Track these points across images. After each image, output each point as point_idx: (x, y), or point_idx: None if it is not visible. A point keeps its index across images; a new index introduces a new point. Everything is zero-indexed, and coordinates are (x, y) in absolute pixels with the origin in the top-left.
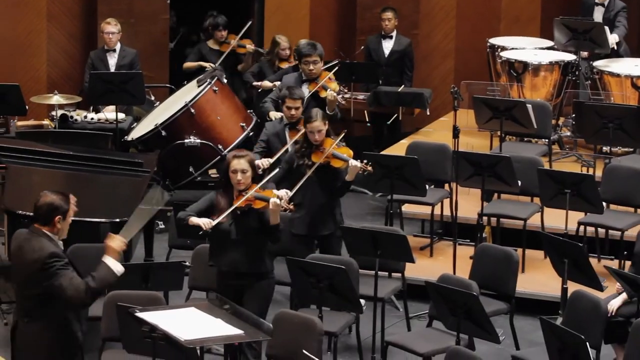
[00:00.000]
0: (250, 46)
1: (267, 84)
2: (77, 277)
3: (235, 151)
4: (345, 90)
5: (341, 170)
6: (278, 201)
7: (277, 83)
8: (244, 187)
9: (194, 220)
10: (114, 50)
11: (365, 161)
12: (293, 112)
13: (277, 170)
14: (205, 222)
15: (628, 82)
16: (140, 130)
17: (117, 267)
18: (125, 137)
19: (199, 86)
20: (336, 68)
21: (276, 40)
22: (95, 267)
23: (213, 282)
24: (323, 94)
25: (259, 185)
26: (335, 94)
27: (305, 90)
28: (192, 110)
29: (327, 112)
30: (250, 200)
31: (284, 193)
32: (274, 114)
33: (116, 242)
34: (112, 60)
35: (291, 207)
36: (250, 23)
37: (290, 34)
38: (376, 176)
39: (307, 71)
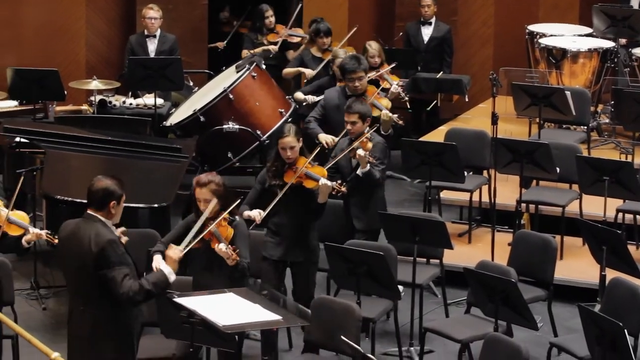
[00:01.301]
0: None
1: (309, 71)
2: (132, 277)
3: (198, 178)
4: (403, 93)
5: (315, 191)
6: (222, 247)
7: (316, 98)
8: (210, 215)
9: (246, 212)
10: (154, 36)
11: (339, 182)
12: (349, 126)
13: (250, 191)
14: (255, 215)
15: None
16: (178, 115)
17: (172, 277)
18: (164, 122)
19: (237, 72)
20: (390, 66)
21: (365, 47)
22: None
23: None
24: (375, 113)
25: (221, 217)
26: (390, 114)
27: None
28: (231, 96)
29: (382, 132)
30: (210, 235)
31: (257, 213)
32: (325, 137)
33: (174, 251)
34: (152, 46)
35: (235, 255)
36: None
37: (330, 21)
38: (415, 162)
39: (353, 88)
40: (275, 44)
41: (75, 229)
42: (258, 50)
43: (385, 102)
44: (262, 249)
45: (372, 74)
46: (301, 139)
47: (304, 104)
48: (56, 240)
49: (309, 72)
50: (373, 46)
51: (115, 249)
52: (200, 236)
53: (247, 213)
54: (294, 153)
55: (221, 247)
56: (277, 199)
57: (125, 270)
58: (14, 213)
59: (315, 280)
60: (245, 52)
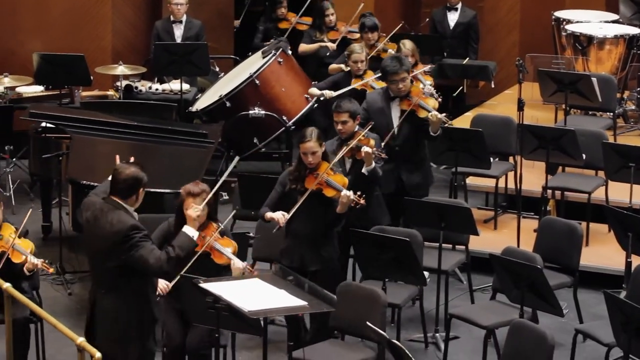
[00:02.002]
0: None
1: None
2: (157, 248)
3: (190, 186)
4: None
5: (334, 200)
6: (240, 265)
7: (334, 93)
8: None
9: (269, 214)
10: (180, 22)
11: (358, 193)
12: (339, 126)
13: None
14: (279, 217)
15: None
16: (204, 101)
17: (195, 234)
18: (190, 108)
19: (263, 57)
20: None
21: (399, 45)
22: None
23: (277, 254)
24: (422, 114)
25: (218, 230)
26: (438, 114)
27: (396, 110)
28: (257, 82)
29: (432, 133)
30: (209, 249)
31: (281, 215)
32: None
33: (193, 210)
34: (178, 32)
35: (252, 271)
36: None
37: (356, 7)
38: (441, 148)
39: (396, 90)
40: (334, 41)
41: (99, 214)
42: (315, 46)
43: (432, 103)
44: (279, 257)
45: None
46: (324, 143)
47: (322, 98)
48: (51, 270)
49: (331, 45)
50: (407, 45)
51: (138, 232)
52: (199, 252)
53: (269, 215)
54: (316, 158)
55: (238, 266)
56: (297, 205)
57: (151, 246)
58: (21, 241)
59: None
60: (303, 46)
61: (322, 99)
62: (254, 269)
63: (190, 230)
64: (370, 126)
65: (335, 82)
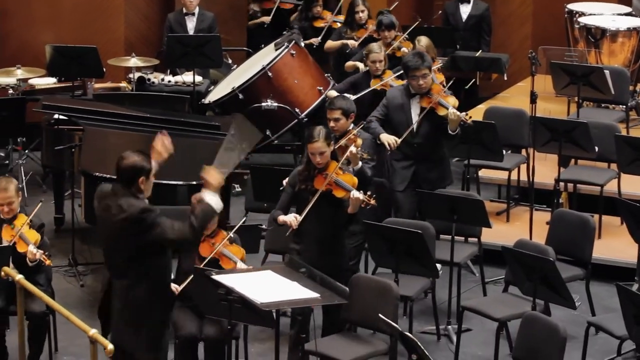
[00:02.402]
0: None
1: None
2: (176, 221)
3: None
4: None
5: (344, 201)
6: (241, 262)
7: (352, 97)
8: (210, 232)
9: (282, 218)
10: (193, 14)
11: (369, 193)
12: (332, 123)
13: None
14: (291, 220)
15: None
16: (217, 93)
17: (215, 201)
18: (203, 100)
19: (276, 49)
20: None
21: (414, 42)
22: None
23: (288, 246)
24: (442, 112)
25: (226, 238)
26: (458, 112)
27: (416, 107)
28: (270, 74)
29: (450, 131)
30: (218, 255)
31: (293, 218)
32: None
33: (212, 176)
34: (191, 24)
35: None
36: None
37: (368, 3)
38: (453, 141)
39: (417, 86)
40: (358, 39)
41: (109, 202)
42: (338, 43)
43: (453, 101)
44: (285, 257)
45: None
46: (332, 143)
47: None
48: (48, 262)
49: (352, 43)
50: (422, 41)
51: (149, 212)
52: (209, 258)
53: (282, 218)
54: (324, 158)
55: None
56: (308, 206)
57: (166, 221)
58: (27, 231)
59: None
60: (328, 43)
61: None
62: (267, 261)
63: (209, 197)
64: (361, 125)
65: (353, 83)
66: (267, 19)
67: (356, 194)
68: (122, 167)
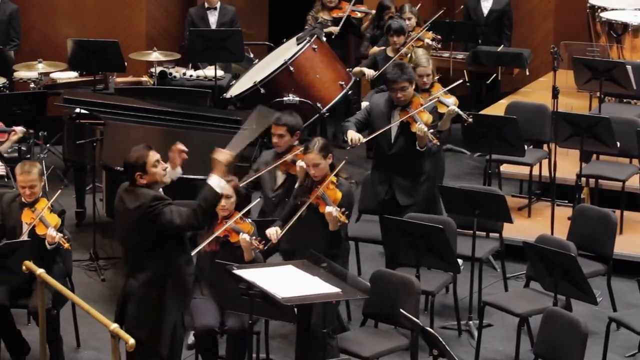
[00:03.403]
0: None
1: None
2: (183, 208)
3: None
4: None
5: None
6: (247, 237)
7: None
8: (227, 214)
9: (267, 231)
10: (215, 8)
11: (342, 209)
12: (275, 139)
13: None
14: (272, 234)
15: None
16: (239, 87)
17: (219, 183)
18: (224, 94)
19: (298, 44)
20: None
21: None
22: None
23: None
24: (413, 128)
25: (239, 215)
26: (425, 129)
27: (396, 118)
28: (291, 68)
29: (418, 147)
30: (228, 232)
31: (274, 231)
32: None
33: (222, 154)
34: (213, 18)
35: (260, 246)
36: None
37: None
38: (475, 136)
39: (396, 99)
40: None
41: (123, 195)
42: (359, 69)
43: (426, 117)
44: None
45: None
46: (330, 155)
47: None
48: (67, 245)
49: (369, 73)
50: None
51: (160, 201)
52: (216, 233)
53: (267, 231)
54: (319, 171)
55: (247, 234)
56: (291, 221)
57: (173, 207)
58: (48, 214)
59: (335, 313)
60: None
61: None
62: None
63: (213, 180)
64: (304, 146)
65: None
66: (335, 29)
67: (329, 209)
68: (124, 162)
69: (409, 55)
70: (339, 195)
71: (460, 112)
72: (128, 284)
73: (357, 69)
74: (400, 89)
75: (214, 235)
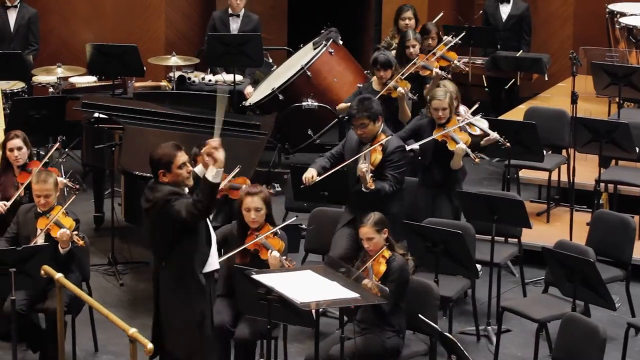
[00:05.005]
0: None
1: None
2: (188, 200)
3: (249, 187)
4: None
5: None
6: (277, 255)
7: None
8: (257, 226)
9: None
10: (238, 15)
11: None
12: (359, 131)
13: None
14: (309, 177)
15: None
16: (257, 95)
17: (213, 174)
18: (243, 102)
19: (315, 49)
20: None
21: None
22: None
23: (329, 245)
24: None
25: (271, 231)
26: (365, 170)
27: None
28: (309, 73)
29: (363, 188)
30: (258, 246)
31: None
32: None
33: (212, 141)
34: (235, 25)
35: (291, 266)
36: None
37: (408, 1)
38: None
39: (357, 135)
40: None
41: (146, 192)
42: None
43: (374, 157)
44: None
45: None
46: (386, 230)
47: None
48: (82, 242)
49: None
50: (449, 86)
51: (177, 196)
52: (246, 246)
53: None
54: (373, 245)
55: (275, 255)
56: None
57: (185, 200)
58: (62, 218)
59: None
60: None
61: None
62: (306, 260)
63: (210, 173)
64: (235, 171)
65: (415, 130)
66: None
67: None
68: (149, 158)
69: (397, 89)
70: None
71: (470, 152)
72: (160, 276)
73: (342, 105)
74: (360, 126)
75: (243, 247)
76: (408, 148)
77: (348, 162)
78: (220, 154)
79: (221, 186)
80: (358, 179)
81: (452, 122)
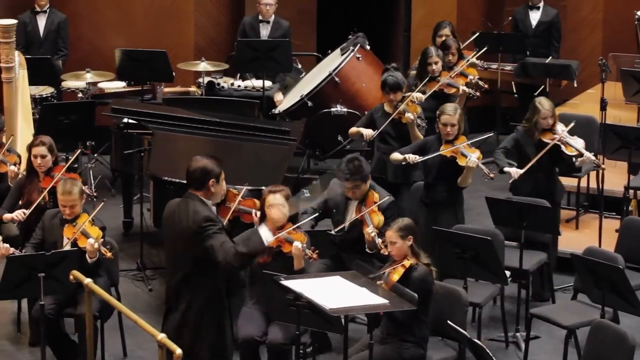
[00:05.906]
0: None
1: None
2: (229, 241)
3: (272, 186)
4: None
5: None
6: (300, 246)
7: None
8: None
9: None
10: (268, 22)
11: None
12: (350, 194)
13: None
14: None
15: None
16: (287, 102)
17: (267, 237)
18: (272, 110)
19: (342, 54)
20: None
21: (536, 105)
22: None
23: None
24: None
25: (293, 227)
26: (373, 235)
27: (352, 211)
28: (337, 79)
29: (367, 249)
30: (280, 242)
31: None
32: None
33: (276, 211)
34: (265, 31)
35: (315, 255)
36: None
37: (437, 7)
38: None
39: (349, 195)
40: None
41: (176, 208)
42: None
43: (377, 220)
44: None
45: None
46: (411, 237)
47: (404, 163)
48: (109, 254)
49: (367, 133)
50: (545, 105)
51: (213, 224)
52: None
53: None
54: (396, 250)
55: (297, 245)
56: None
57: (223, 238)
58: (90, 227)
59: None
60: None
61: (403, 163)
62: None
63: (264, 232)
64: (243, 192)
65: (422, 145)
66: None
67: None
68: (192, 170)
69: (407, 114)
70: (395, 278)
71: (483, 167)
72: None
73: (353, 129)
74: (353, 188)
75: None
76: (407, 159)
77: (346, 224)
78: (274, 213)
79: (232, 207)
80: (357, 241)
81: (460, 139)
